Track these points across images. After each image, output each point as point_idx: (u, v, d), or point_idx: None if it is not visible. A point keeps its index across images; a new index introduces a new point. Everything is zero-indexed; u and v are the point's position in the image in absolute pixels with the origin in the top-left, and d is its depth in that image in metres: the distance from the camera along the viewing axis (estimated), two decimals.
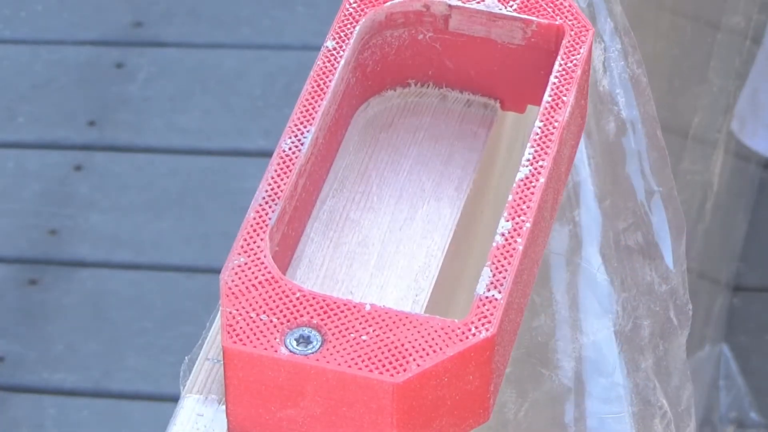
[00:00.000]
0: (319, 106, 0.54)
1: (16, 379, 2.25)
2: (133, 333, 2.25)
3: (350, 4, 0.57)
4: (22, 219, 2.42)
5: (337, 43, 0.56)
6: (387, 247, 0.56)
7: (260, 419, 0.52)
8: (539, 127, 0.54)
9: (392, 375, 0.49)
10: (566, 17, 0.57)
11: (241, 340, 0.51)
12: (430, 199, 0.57)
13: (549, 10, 0.57)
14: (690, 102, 1.62)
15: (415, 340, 0.50)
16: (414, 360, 0.50)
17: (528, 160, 0.53)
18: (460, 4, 0.60)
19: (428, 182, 0.58)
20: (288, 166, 0.52)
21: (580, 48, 0.56)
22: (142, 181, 2.43)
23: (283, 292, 0.52)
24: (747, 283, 2.08)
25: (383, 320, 0.51)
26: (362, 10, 0.57)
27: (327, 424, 0.52)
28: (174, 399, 0.57)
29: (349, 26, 0.56)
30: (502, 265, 0.50)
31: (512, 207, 0.52)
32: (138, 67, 2.45)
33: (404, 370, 0.49)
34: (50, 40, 2.66)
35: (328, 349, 0.50)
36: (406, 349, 0.50)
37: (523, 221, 0.51)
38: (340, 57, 0.55)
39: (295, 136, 0.53)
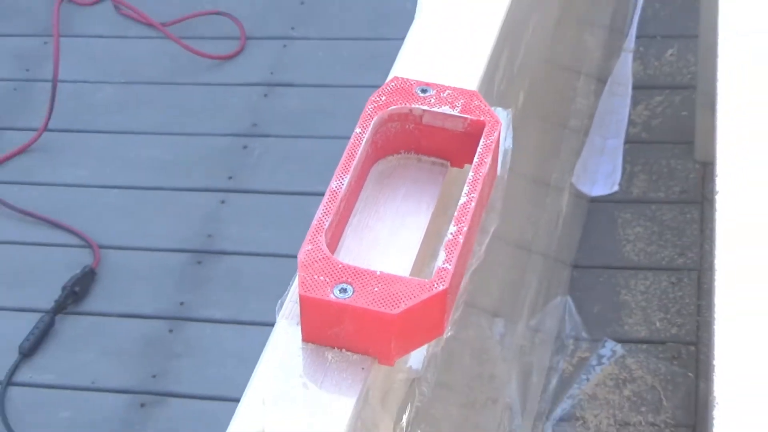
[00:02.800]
0: (351, 164, 0.55)
1: None
2: None
3: (369, 108, 0.58)
4: None
5: (361, 129, 0.57)
6: (389, 240, 0.58)
7: (318, 334, 0.54)
8: (471, 176, 0.56)
9: (392, 310, 0.51)
10: (486, 116, 0.58)
11: (308, 290, 0.51)
12: (412, 214, 0.59)
13: (477, 111, 0.58)
14: (554, 146, 1.51)
15: (404, 290, 0.51)
16: (404, 301, 0.51)
17: (465, 193, 0.55)
18: (429, 108, 0.60)
19: (411, 205, 0.59)
20: (335, 196, 0.55)
21: (494, 133, 0.58)
22: None
23: (331, 264, 0.53)
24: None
25: (387, 280, 0.52)
26: (375, 111, 0.58)
27: (356, 337, 0.53)
28: None
29: (367, 120, 0.58)
30: (451, 251, 0.52)
31: (456, 218, 0.54)
32: None
33: (398, 307, 0.50)
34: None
35: (356, 296, 0.51)
36: (399, 296, 0.51)
37: (462, 226, 0.53)
38: (363, 137, 0.57)
39: (339, 180, 0.55)
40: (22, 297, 1.70)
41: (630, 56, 1.90)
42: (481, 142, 0.57)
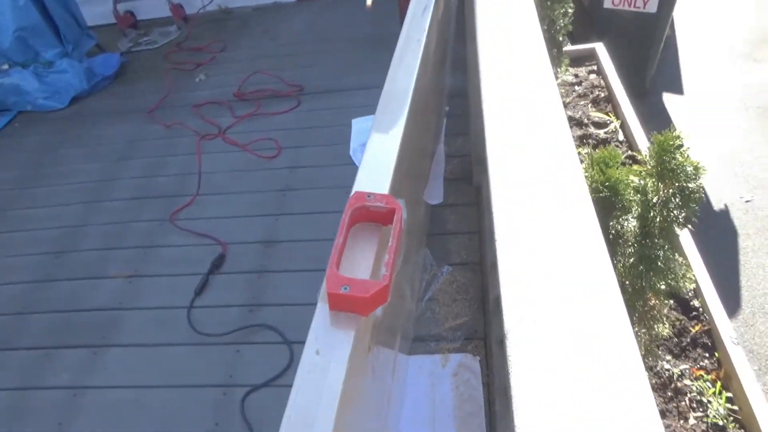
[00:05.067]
0: (344, 228, 0.53)
1: None
2: None
3: (347, 205, 0.56)
4: None
5: (344, 215, 0.57)
6: (359, 262, 0.56)
7: (336, 306, 0.49)
8: (392, 230, 0.55)
9: (366, 294, 0.47)
10: (395, 205, 0.58)
11: (331, 288, 0.49)
12: (368, 249, 0.57)
13: (391, 203, 0.57)
14: (419, 188, 1.40)
15: (371, 286, 0.50)
16: (371, 290, 0.49)
17: (390, 238, 0.55)
18: (372, 203, 0.56)
19: (367, 245, 0.57)
20: (337, 246, 0.55)
21: (399, 212, 0.57)
22: None
23: (339, 277, 0.50)
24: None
25: (362, 282, 0.49)
26: (350, 206, 0.57)
27: (352, 307, 0.49)
28: None
29: (347, 211, 0.56)
30: (387, 266, 0.53)
31: (388, 250, 0.54)
32: None
33: (369, 293, 0.48)
34: None
35: (351, 290, 0.49)
36: (369, 288, 0.49)
37: (391, 254, 0.53)
38: (346, 218, 0.56)
39: (338, 238, 0.55)
40: (194, 268, 1.82)
41: (442, 144, 1.88)
42: (395, 216, 0.59)
